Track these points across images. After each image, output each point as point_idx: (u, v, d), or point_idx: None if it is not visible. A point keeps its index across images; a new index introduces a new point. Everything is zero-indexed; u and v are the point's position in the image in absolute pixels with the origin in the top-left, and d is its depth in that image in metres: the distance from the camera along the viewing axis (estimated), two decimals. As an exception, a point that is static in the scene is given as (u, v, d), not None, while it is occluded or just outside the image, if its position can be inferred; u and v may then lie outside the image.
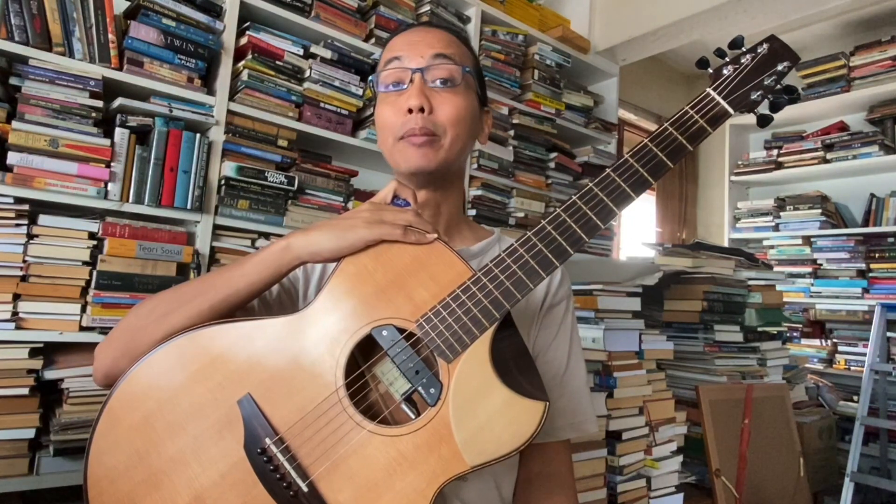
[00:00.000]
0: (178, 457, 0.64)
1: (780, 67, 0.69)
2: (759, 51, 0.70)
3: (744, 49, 0.71)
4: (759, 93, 0.69)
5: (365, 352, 0.68)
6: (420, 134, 0.78)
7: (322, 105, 1.88)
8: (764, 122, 0.73)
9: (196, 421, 0.65)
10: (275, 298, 0.80)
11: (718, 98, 0.69)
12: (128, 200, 1.49)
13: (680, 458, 1.68)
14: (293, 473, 0.63)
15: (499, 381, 0.64)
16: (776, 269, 2.87)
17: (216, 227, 1.64)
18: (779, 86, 0.70)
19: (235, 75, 1.74)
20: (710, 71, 0.72)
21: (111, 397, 0.65)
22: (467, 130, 0.82)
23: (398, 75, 0.80)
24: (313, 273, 0.83)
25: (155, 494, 0.63)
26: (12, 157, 1.35)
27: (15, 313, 1.35)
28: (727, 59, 0.71)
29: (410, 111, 0.77)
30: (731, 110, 0.69)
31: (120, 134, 1.47)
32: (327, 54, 1.89)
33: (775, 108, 0.71)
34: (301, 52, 1.85)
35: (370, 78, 0.84)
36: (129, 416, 0.65)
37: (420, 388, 0.65)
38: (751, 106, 0.70)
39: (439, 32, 0.84)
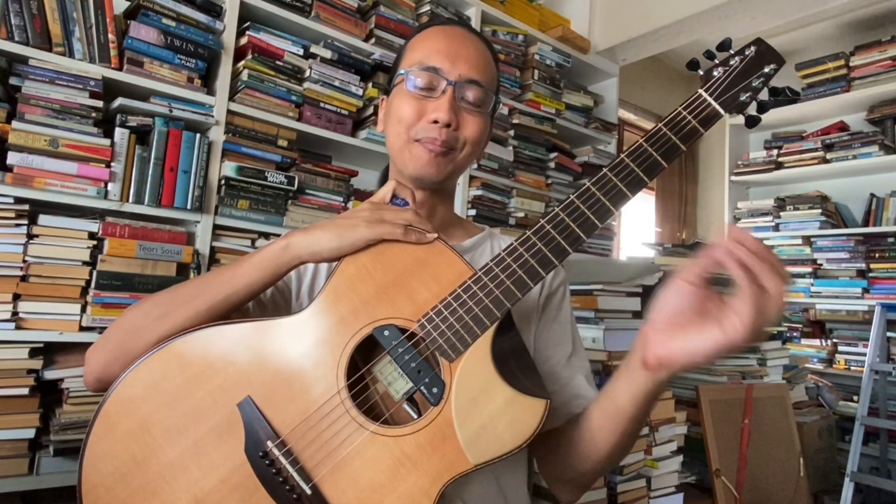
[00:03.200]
0: (178, 462, 0.63)
1: (766, 70, 0.70)
2: (746, 53, 0.71)
3: (732, 51, 0.72)
4: (747, 94, 0.70)
5: (366, 352, 0.67)
6: (440, 145, 0.79)
7: (322, 105, 1.88)
8: (752, 122, 0.74)
9: (195, 425, 0.64)
10: (269, 299, 0.80)
11: (710, 99, 0.69)
12: (128, 200, 1.48)
13: (680, 458, 1.68)
14: (296, 476, 0.62)
15: (501, 380, 0.64)
16: (776, 269, 2.86)
17: (216, 227, 1.64)
18: (765, 88, 0.71)
19: (235, 75, 1.74)
20: (701, 72, 0.73)
21: (106, 401, 0.64)
22: (480, 150, 0.86)
23: (431, 80, 0.80)
24: (306, 274, 0.83)
25: (153, 500, 0.62)
26: (12, 157, 1.35)
27: (15, 313, 1.35)
28: (717, 61, 0.72)
29: (435, 122, 0.79)
30: (722, 111, 0.69)
31: (120, 134, 1.47)
32: (327, 54, 1.88)
33: (762, 109, 0.72)
34: (301, 52, 1.85)
35: (402, 71, 0.83)
36: (125, 421, 0.64)
37: (423, 388, 0.64)
38: (740, 107, 0.70)
39: (478, 47, 0.84)
